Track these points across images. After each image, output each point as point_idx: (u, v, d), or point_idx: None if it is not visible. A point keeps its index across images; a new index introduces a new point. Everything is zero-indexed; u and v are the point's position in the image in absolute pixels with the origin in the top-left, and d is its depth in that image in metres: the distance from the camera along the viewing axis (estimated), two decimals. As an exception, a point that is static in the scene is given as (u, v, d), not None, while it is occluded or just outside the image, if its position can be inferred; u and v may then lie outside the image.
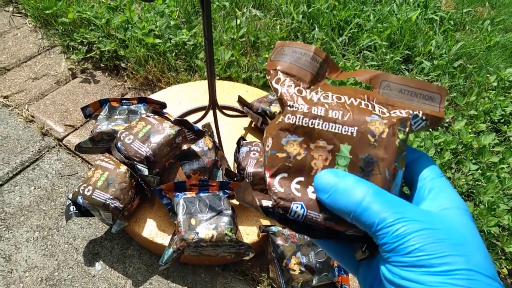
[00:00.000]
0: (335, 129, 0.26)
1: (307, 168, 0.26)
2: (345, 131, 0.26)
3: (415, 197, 0.27)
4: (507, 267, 1.06)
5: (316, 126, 0.26)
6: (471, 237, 0.23)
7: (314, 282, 0.88)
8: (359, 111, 0.27)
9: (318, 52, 0.30)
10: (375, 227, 0.23)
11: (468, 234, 0.23)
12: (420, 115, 0.27)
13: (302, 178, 0.26)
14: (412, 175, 0.27)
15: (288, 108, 0.27)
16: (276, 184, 0.27)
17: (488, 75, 1.60)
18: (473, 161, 1.27)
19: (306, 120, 0.27)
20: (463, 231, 0.23)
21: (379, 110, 0.27)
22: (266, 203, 0.27)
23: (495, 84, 1.56)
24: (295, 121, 0.27)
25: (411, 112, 0.27)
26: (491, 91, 1.55)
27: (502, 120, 1.45)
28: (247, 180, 0.96)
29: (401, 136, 0.26)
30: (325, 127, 0.26)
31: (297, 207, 0.26)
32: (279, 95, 0.28)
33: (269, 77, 0.29)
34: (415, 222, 0.22)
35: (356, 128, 0.26)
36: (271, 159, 0.27)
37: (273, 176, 0.27)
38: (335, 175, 0.25)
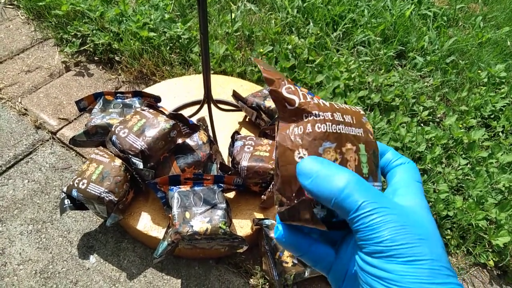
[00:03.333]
0: (353, 131, 0.29)
1: None
2: (358, 133, 0.29)
3: (387, 192, 0.29)
4: (494, 259, 1.08)
5: (342, 131, 0.28)
6: (433, 232, 0.25)
7: (306, 274, 0.90)
8: (355, 114, 0.30)
9: None
10: (353, 213, 0.24)
11: (431, 229, 0.25)
12: None
13: None
14: (392, 176, 0.30)
15: (314, 117, 0.28)
16: None
17: (479, 71, 1.62)
18: (463, 156, 1.30)
19: (334, 127, 0.28)
20: (427, 226, 0.25)
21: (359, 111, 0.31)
22: (319, 213, 0.28)
23: (485, 80, 1.59)
24: (327, 129, 0.28)
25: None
26: (482, 87, 1.58)
27: (492, 116, 1.47)
28: (242, 174, 0.97)
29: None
30: (347, 130, 0.29)
31: None
32: (297, 104, 0.28)
33: (273, 85, 0.29)
34: (390, 214, 0.24)
35: (362, 129, 0.29)
36: None
37: None
38: (318, 162, 0.26)
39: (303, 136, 0.28)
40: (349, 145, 0.28)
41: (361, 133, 0.29)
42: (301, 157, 0.27)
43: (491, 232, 1.09)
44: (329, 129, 0.28)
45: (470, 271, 1.08)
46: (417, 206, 0.27)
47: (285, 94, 0.28)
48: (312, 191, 0.26)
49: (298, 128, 0.28)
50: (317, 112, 0.28)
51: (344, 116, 0.29)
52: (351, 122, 0.29)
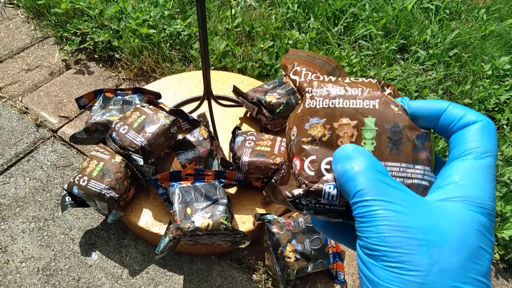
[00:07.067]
0: (356, 104, 0.26)
1: (334, 147, 0.26)
2: (366, 105, 0.26)
3: (440, 173, 0.24)
4: (499, 252, 1.07)
5: (337, 105, 0.26)
6: (458, 238, 0.20)
7: (309, 269, 0.89)
8: (375, 87, 0.27)
9: (330, 60, 0.33)
10: (351, 199, 0.22)
11: (456, 234, 0.20)
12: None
13: (330, 158, 0.26)
14: (456, 144, 0.23)
15: (307, 94, 0.28)
16: (306, 168, 0.26)
17: (483, 64, 1.60)
18: (467, 149, 1.28)
19: (326, 101, 0.27)
20: (449, 229, 0.20)
21: (389, 88, 0.28)
22: (297, 191, 0.26)
23: (489, 72, 1.57)
24: (315, 105, 0.27)
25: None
26: (485, 80, 1.56)
27: (496, 108, 1.46)
28: (243, 169, 0.97)
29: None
30: (346, 104, 0.26)
31: (330, 187, 0.25)
32: (298, 84, 0.29)
33: (286, 71, 0.30)
34: (390, 210, 0.20)
35: (377, 100, 0.26)
36: (297, 146, 0.27)
37: (302, 160, 0.27)
38: (354, 148, 0.24)
39: (296, 114, 0.28)
40: (344, 120, 0.26)
41: (375, 105, 0.26)
42: (293, 135, 0.28)
43: (497, 225, 1.07)
44: (319, 104, 0.27)
45: (475, 265, 1.07)
46: (456, 202, 0.21)
47: (291, 76, 0.30)
48: (335, 175, 0.25)
49: (300, 106, 0.28)
50: (310, 89, 0.28)
51: (351, 89, 0.27)
52: (358, 94, 0.26)
